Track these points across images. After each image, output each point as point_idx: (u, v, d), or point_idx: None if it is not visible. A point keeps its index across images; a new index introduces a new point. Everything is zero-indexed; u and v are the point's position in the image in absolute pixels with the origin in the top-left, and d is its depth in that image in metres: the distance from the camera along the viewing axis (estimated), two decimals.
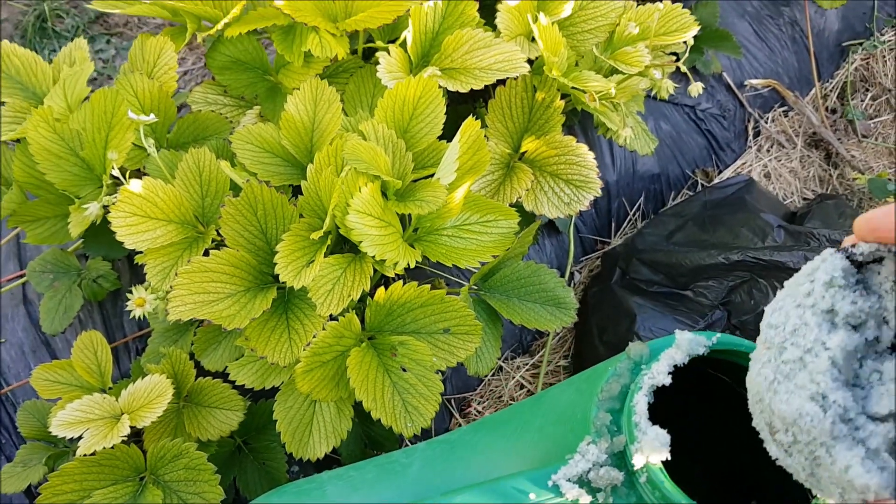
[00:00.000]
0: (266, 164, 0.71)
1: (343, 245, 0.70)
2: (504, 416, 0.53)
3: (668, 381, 0.43)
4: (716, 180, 1.01)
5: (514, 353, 0.91)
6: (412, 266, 0.67)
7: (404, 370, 0.65)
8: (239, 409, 0.67)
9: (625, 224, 0.97)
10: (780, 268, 0.80)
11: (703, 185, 1.01)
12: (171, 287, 0.63)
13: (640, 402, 0.42)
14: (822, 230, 0.83)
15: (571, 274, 0.94)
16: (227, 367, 0.67)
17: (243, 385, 0.68)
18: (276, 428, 0.64)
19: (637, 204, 0.97)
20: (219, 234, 0.68)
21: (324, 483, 0.51)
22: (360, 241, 0.63)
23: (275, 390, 0.67)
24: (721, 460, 0.53)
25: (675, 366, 0.44)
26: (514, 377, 0.89)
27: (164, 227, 0.67)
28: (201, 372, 0.69)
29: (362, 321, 0.67)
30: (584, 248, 0.96)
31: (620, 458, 0.43)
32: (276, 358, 0.62)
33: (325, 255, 0.65)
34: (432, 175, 0.69)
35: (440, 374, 0.66)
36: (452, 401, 0.87)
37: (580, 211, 0.97)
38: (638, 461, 0.41)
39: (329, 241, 0.65)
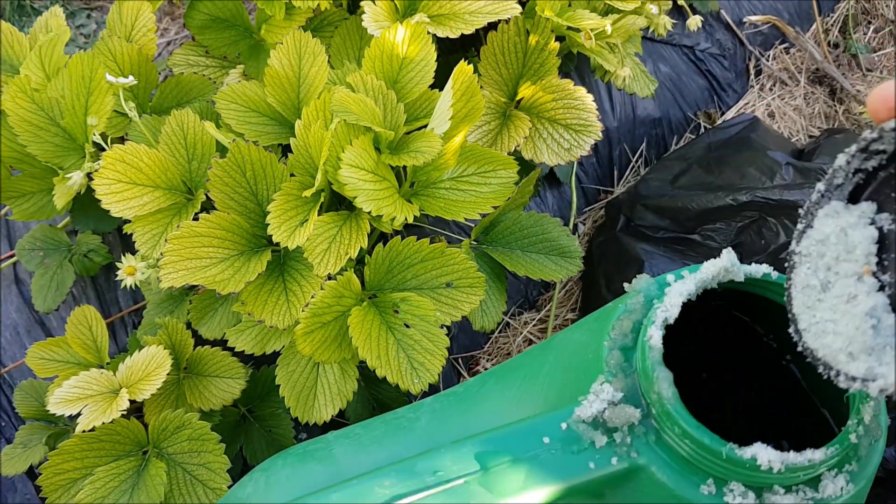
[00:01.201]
0: (253, 124, 0.69)
1: (338, 204, 0.67)
2: (512, 364, 0.51)
3: (676, 312, 0.41)
4: (718, 121, 0.98)
5: (521, 308, 0.89)
6: (410, 220, 0.65)
7: (408, 327, 0.63)
8: (240, 376, 0.65)
9: (627, 172, 0.94)
10: (790, 206, 0.78)
11: (705, 127, 0.98)
12: (161, 254, 0.60)
13: (655, 337, 0.40)
14: (832, 166, 0.80)
15: (575, 225, 0.92)
16: (225, 334, 0.65)
17: (243, 352, 0.66)
18: (280, 393, 0.62)
19: (639, 150, 0.95)
20: (208, 199, 0.65)
21: (330, 443, 0.49)
22: (355, 197, 0.61)
23: (276, 356, 0.65)
24: (735, 399, 0.51)
25: (690, 299, 0.42)
26: (521, 333, 0.87)
27: (151, 193, 0.64)
28: (200, 341, 0.67)
29: (362, 281, 0.65)
30: (587, 199, 0.94)
31: (636, 396, 0.41)
32: (274, 321, 0.60)
33: (319, 214, 0.62)
34: (426, 126, 0.67)
35: (446, 330, 0.64)
36: (460, 360, 0.85)
37: (581, 160, 0.95)
38: (656, 396, 0.39)
39: (322, 199, 0.63)
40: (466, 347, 0.85)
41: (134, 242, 0.64)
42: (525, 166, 0.77)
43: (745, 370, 0.51)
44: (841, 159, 0.34)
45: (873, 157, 0.33)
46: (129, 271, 0.63)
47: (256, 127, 0.69)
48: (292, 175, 0.65)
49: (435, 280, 0.65)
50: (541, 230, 0.74)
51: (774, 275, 0.42)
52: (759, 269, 0.43)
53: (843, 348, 0.32)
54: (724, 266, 0.42)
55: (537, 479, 0.39)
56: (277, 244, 0.63)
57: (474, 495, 0.38)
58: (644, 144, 0.95)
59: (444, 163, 0.67)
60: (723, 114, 1.00)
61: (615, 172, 0.94)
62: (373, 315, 0.63)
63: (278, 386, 0.64)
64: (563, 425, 0.41)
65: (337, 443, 0.50)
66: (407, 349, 0.62)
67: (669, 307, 0.41)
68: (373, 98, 0.65)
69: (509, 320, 0.87)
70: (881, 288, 0.32)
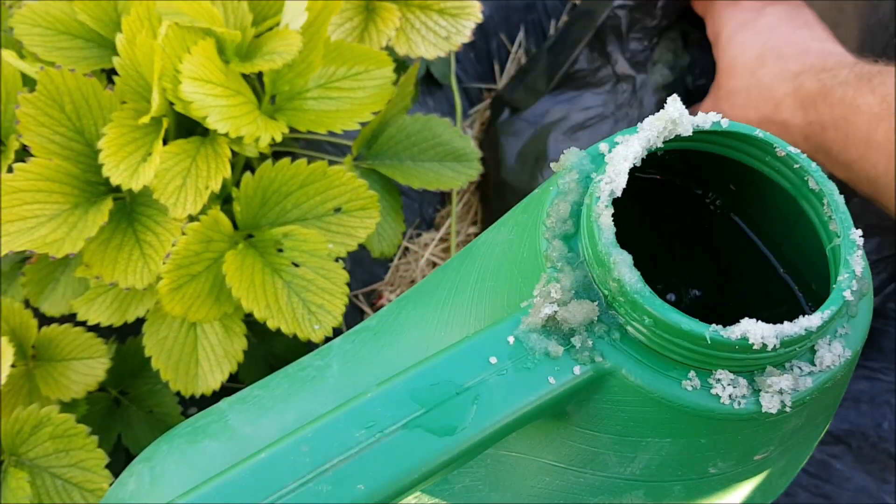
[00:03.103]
0: (65, 49, 0.56)
1: (188, 132, 0.56)
2: (430, 283, 0.43)
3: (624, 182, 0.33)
4: None
5: (418, 229, 0.81)
6: (278, 139, 0.55)
7: (297, 265, 0.53)
8: (101, 354, 0.54)
9: (508, 64, 0.86)
10: None
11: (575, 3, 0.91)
12: None
13: (604, 215, 0.33)
14: None
15: (462, 130, 0.84)
16: (73, 307, 0.53)
17: (99, 325, 0.55)
18: (153, 365, 0.52)
19: (517, 39, 0.87)
20: (24, 148, 0.53)
21: (224, 412, 0.40)
22: (205, 116, 0.50)
23: (143, 323, 0.54)
24: (690, 279, 0.45)
25: (636, 164, 0.35)
26: (423, 256, 0.79)
27: None
28: (45, 320, 0.55)
29: (234, 222, 0.55)
30: (471, 100, 0.85)
31: (589, 290, 0.33)
32: (130, 281, 0.49)
33: (165, 144, 0.51)
34: (278, 25, 0.56)
35: (342, 263, 0.55)
36: (360, 296, 0.76)
37: (459, 58, 0.86)
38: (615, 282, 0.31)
39: (167, 127, 0.52)
40: (365, 282, 0.76)
41: None
42: (400, 65, 0.68)
43: (692, 245, 0.45)
44: None
45: None
46: None
47: (70, 52, 0.56)
48: (124, 103, 0.53)
49: (320, 207, 0.56)
50: (430, 135, 0.65)
51: (725, 123, 0.36)
52: (708, 119, 0.35)
53: None
54: (670, 118, 0.34)
55: (490, 408, 0.31)
56: (119, 188, 0.52)
57: (419, 444, 0.30)
58: (522, 33, 0.87)
59: (307, 66, 0.56)
60: None
61: (496, 67, 0.86)
62: (252, 257, 0.53)
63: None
64: (510, 339, 0.33)
65: (232, 410, 0.40)
66: (300, 291, 0.52)
67: (614, 177, 0.33)
68: None
69: (408, 244, 0.79)
70: None
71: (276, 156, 0.70)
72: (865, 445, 0.67)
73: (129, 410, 0.58)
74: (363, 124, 0.60)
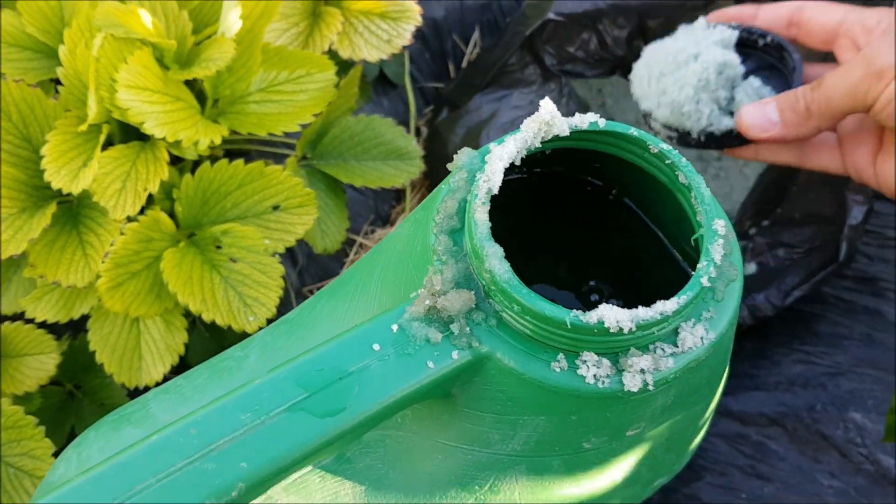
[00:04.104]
0: (14, 61, 0.59)
1: (138, 137, 0.59)
2: (344, 277, 0.45)
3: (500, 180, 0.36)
4: None
5: (373, 225, 0.83)
6: (217, 142, 0.57)
7: (234, 261, 0.56)
8: (51, 350, 0.56)
9: (463, 63, 0.89)
10: None
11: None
12: None
13: (479, 211, 0.35)
14: None
15: (417, 128, 0.86)
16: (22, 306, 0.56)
17: (57, 323, 0.57)
18: (97, 359, 0.55)
19: (472, 40, 0.89)
20: None
21: (148, 402, 0.42)
22: (142, 122, 0.53)
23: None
24: (583, 268, 0.47)
25: (514, 164, 0.37)
26: None
27: None
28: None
29: (177, 222, 0.57)
30: (426, 99, 0.88)
31: (470, 281, 0.36)
32: (71, 279, 0.52)
33: (105, 150, 0.54)
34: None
35: (279, 258, 0.57)
36: (315, 290, 0.79)
37: (413, 58, 0.88)
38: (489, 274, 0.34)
39: (107, 132, 0.55)
40: (320, 276, 0.79)
41: None
42: (346, 68, 0.70)
43: (591, 235, 0.47)
44: None
45: None
46: None
47: (20, 63, 0.59)
48: (69, 111, 0.56)
49: (259, 206, 0.59)
50: (373, 134, 0.68)
51: (602, 122, 0.38)
52: (585, 119, 0.38)
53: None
54: (544, 119, 0.37)
55: (371, 392, 0.34)
56: (68, 195, 0.55)
57: (302, 425, 0.33)
58: (477, 32, 0.89)
59: (246, 71, 0.59)
60: None
61: (451, 66, 0.89)
62: (192, 255, 0.56)
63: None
64: (394, 327, 0.35)
65: (156, 400, 0.43)
66: (236, 286, 0.55)
67: (491, 176, 0.36)
68: (149, 7, 0.56)
69: (363, 240, 0.82)
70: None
71: (231, 157, 0.72)
72: (800, 427, 0.69)
73: (82, 403, 0.61)
74: (304, 126, 0.62)
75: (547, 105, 0.37)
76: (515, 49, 0.75)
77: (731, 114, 0.59)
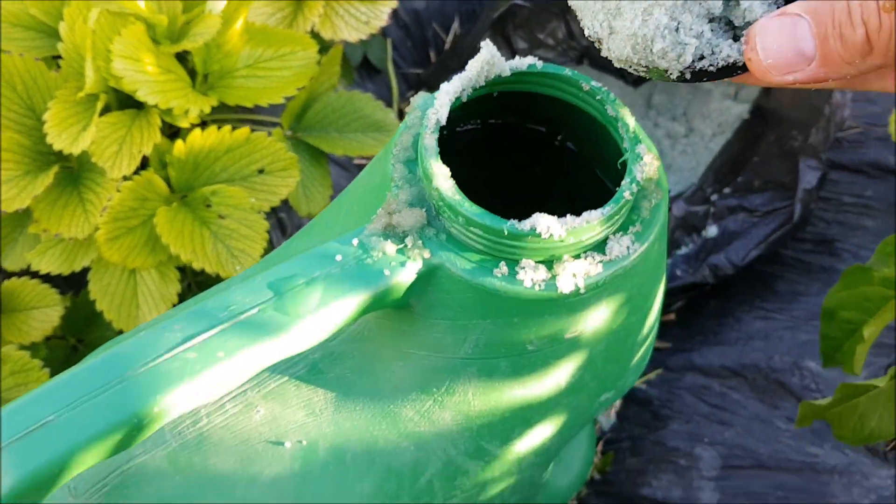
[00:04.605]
0: (18, 40, 0.64)
1: (128, 106, 0.64)
2: (317, 217, 0.50)
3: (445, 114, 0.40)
4: None
5: None
6: (207, 111, 0.62)
7: (222, 218, 0.60)
8: (55, 303, 0.61)
9: (444, 51, 0.94)
10: None
11: None
12: None
13: (428, 137, 0.40)
14: None
15: (400, 111, 0.91)
16: (31, 265, 0.61)
17: (60, 280, 0.62)
18: (98, 307, 0.59)
19: (451, 29, 0.94)
20: None
21: (138, 331, 0.47)
22: (136, 90, 0.58)
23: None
24: (527, 197, 0.51)
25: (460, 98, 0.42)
26: None
27: None
28: (6, 278, 0.63)
29: (171, 186, 0.62)
30: (409, 84, 0.93)
31: (423, 201, 0.41)
32: (72, 232, 0.57)
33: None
34: None
35: (263, 216, 0.62)
36: None
37: (396, 45, 0.94)
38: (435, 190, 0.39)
39: (105, 101, 0.59)
40: None
41: None
42: (328, 50, 0.75)
43: (542, 180, 0.51)
44: None
45: None
46: None
47: (23, 42, 0.64)
48: (68, 83, 0.61)
49: (245, 169, 0.63)
50: (353, 108, 0.73)
51: (539, 64, 0.43)
52: (524, 62, 0.43)
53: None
54: (485, 59, 0.41)
55: (334, 294, 0.38)
56: (67, 158, 0.60)
57: (270, 322, 0.37)
58: (456, 22, 0.94)
59: (232, 47, 0.64)
60: None
61: (431, 54, 0.94)
62: (184, 213, 0.60)
63: None
64: (355, 241, 0.40)
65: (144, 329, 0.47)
66: (224, 239, 0.60)
67: (439, 108, 0.41)
68: None
69: None
70: None
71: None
72: (759, 377, 0.73)
73: (85, 356, 0.65)
74: (288, 99, 0.67)
75: (488, 46, 0.41)
76: (487, 32, 0.80)
77: (734, 30, 0.34)
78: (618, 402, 0.77)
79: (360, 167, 0.86)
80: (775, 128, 0.82)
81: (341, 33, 0.73)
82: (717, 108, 0.88)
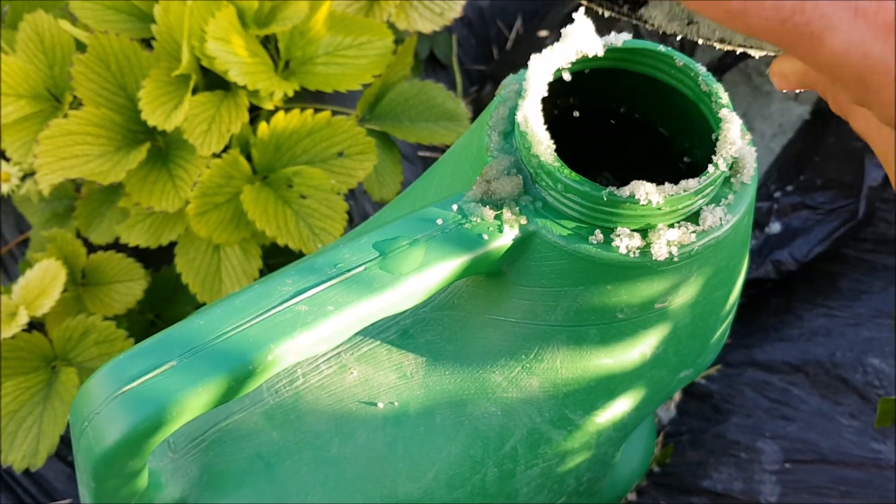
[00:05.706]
0: (112, 22, 0.66)
1: (214, 88, 0.66)
2: (408, 190, 0.51)
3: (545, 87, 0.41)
4: None
5: None
6: (290, 94, 0.64)
7: (304, 198, 0.62)
8: (139, 277, 0.63)
9: (508, 48, 0.96)
10: None
11: None
12: (35, 157, 0.58)
13: (531, 107, 0.41)
14: None
15: (465, 105, 0.93)
16: (118, 239, 0.63)
17: (144, 255, 0.64)
18: (183, 280, 0.61)
19: (514, 27, 0.96)
20: (79, 105, 0.63)
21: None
22: (227, 70, 0.60)
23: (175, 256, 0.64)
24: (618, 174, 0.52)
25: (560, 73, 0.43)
26: None
27: (15, 102, 0.62)
28: (92, 251, 0.65)
29: (254, 167, 0.64)
30: (471, 80, 0.95)
31: (519, 169, 0.42)
32: (163, 205, 0.59)
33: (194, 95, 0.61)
34: None
35: (343, 196, 0.64)
36: None
37: (461, 41, 0.95)
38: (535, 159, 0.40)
39: (196, 81, 0.62)
40: None
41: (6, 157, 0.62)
42: (401, 40, 0.77)
43: (610, 151, 0.52)
44: None
45: None
46: (5, 178, 0.60)
47: (116, 24, 0.66)
48: (160, 64, 0.63)
49: (325, 151, 0.65)
50: (425, 98, 0.74)
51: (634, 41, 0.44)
52: (619, 38, 0.44)
53: None
54: (580, 37, 0.43)
55: (435, 256, 0.40)
56: (155, 137, 0.62)
57: (376, 279, 0.39)
58: (519, 20, 0.96)
59: (314, 33, 0.66)
60: None
61: (494, 50, 0.95)
62: (267, 192, 0.62)
63: (186, 285, 0.63)
64: (455, 207, 0.41)
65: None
66: (306, 217, 0.61)
67: (541, 78, 0.42)
68: None
69: None
70: None
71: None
72: (821, 373, 0.73)
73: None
74: (365, 86, 0.69)
75: (582, 20, 0.43)
76: (556, 30, 0.82)
77: None
78: (677, 396, 0.77)
79: (425, 159, 0.88)
80: (836, 129, 0.83)
81: (416, 24, 0.74)
82: (778, 108, 0.89)
